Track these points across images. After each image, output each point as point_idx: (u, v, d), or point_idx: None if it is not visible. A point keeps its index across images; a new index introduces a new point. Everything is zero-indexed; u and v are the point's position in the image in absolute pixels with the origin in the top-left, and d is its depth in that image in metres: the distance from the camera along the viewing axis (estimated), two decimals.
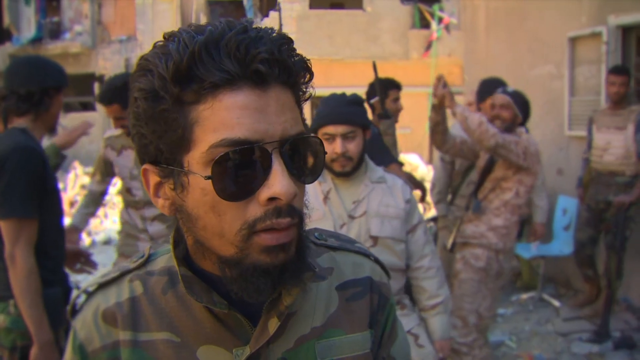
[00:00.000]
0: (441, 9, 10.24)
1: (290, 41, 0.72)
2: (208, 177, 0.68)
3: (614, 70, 4.59)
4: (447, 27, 9.76)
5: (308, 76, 0.75)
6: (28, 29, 14.49)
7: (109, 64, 14.09)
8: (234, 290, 0.73)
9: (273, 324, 0.77)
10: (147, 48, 0.72)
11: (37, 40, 14.12)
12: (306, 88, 0.77)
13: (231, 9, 13.52)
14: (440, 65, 9.67)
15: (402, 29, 11.26)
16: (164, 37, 0.73)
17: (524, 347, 4.39)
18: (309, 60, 0.75)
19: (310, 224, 0.83)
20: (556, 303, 5.18)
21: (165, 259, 0.84)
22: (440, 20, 9.85)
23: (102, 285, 0.84)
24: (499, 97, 3.48)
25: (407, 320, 2.27)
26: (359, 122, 2.16)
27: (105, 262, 6.31)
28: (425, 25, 10.86)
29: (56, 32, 14.47)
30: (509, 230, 3.35)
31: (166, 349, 0.78)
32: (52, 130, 2.32)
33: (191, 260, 0.80)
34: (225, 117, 0.68)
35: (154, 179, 0.76)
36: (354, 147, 2.14)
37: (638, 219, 4.57)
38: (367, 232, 2.16)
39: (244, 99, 0.68)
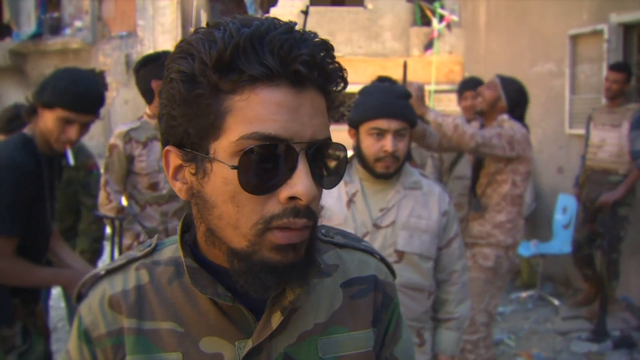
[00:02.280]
0: (442, 6, 10.20)
1: (331, 48, 0.74)
2: (234, 167, 0.69)
3: (610, 67, 4.58)
4: (449, 25, 9.73)
5: (342, 85, 0.77)
6: (28, 24, 14.44)
7: (109, 60, 14.07)
8: (241, 283, 0.74)
9: (276, 319, 0.78)
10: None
11: (37, 36, 14.08)
12: (336, 96, 0.78)
13: (232, 5, 13.49)
14: (440, 63, 9.65)
15: (403, 26, 11.24)
16: (208, 25, 0.74)
17: (523, 346, 4.39)
18: (345, 70, 0.76)
19: None
20: (555, 302, 5.18)
21: (172, 249, 0.85)
22: (441, 17, 9.82)
23: (109, 272, 0.85)
24: (490, 79, 3.41)
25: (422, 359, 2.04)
26: (412, 119, 1.92)
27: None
28: (427, 22, 10.82)
29: (56, 28, 14.41)
30: (514, 223, 3.28)
31: (170, 338, 0.79)
32: (49, 148, 2.18)
33: (198, 251, 0.81)
34: (259, 111, 0.69)
35: (175, 161, 0.77)
36: (403, 146, 1.90)
37: (633, 219, 4.56)
38: (393, 245, 1.93)
39: (280, 97, 0.70)
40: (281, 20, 0.73)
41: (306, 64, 0.70)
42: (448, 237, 2.02)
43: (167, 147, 0.76)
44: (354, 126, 1.97)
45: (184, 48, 0.73)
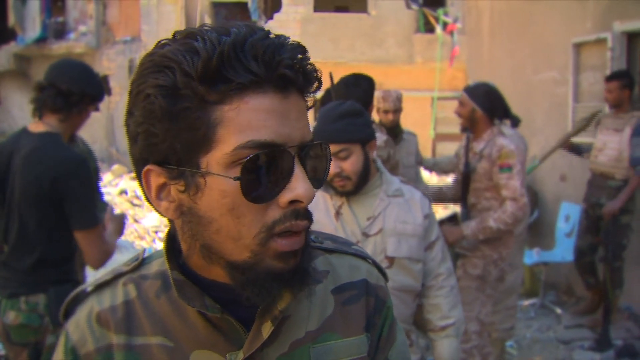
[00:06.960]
0: (446, 13, 10.23)
1: (306, 50, 0.74)
2: (237, 179, 0.69)
3: (606, 77, 4.62)
4: (452, 33, 9.74)
5: (316, 85, 0.76)
6: (33, 28, 14.50)
7: (113, 64, 14.11)
8: (246, 295, 0.73)
9: (267, 328, 0.77)
10: (151, 49, 0.71)
11: (41, 40, 14.13)
12: (312, 98, 0.78)
13: (236, 11, 13.53)
14: (444, 70, 9.66)
15: (406, 33, 11.26)
16: (175, 36, 0.73)
17: (525, 354, 4.37)
18: (320, 70, 0.77)
19: None
20: (558, 310, 5.16)
21: (160, 262, 0.83)
22: (444, 25, 9.83)
23: (96, 288, 0.84)
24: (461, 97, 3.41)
25: None
26: (350, 139, 1.91)
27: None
28: (430, 29, 10.85)
29: (61, 32, 14.47)
30: (502, 240, 3.29)
31: (160, 353, 0.78)
32: (70, 138, 2.41)
33: (185, 264, 0.80)
34: (251, 119, 0.69)
35: (157, 180, 0.74)
36: (348, 165, 1.91)
37: (635, 227, 4.54)
38: (383, 252, 1.98)
39: (270, 102, 0.70)
40: (254, 25, 0.73)
41: (291, 67, 0.70)
42: (430, 240, 2.07)
43: (148, 166, 0.73)
44: None
45: (158, 62, 0.71)
